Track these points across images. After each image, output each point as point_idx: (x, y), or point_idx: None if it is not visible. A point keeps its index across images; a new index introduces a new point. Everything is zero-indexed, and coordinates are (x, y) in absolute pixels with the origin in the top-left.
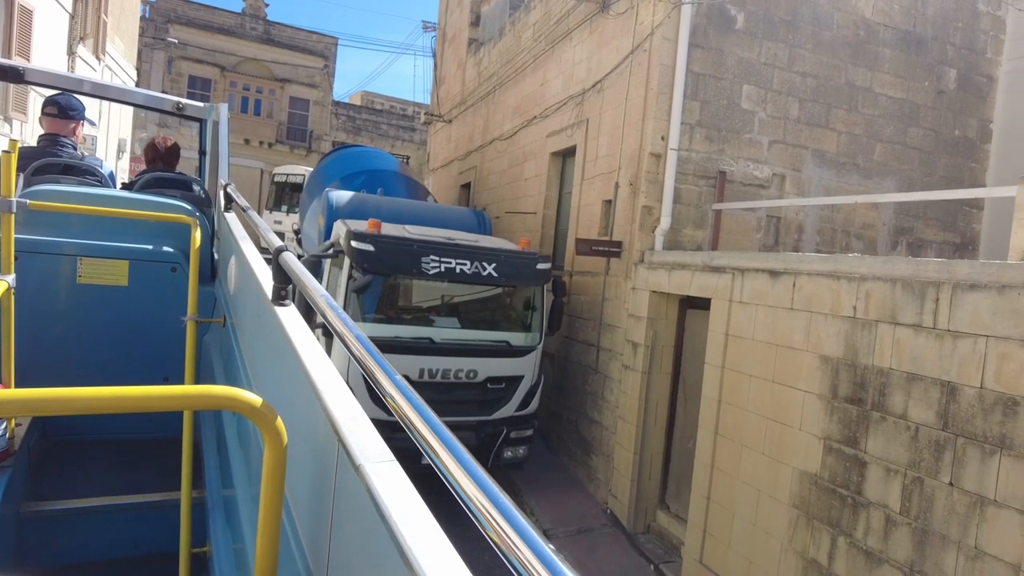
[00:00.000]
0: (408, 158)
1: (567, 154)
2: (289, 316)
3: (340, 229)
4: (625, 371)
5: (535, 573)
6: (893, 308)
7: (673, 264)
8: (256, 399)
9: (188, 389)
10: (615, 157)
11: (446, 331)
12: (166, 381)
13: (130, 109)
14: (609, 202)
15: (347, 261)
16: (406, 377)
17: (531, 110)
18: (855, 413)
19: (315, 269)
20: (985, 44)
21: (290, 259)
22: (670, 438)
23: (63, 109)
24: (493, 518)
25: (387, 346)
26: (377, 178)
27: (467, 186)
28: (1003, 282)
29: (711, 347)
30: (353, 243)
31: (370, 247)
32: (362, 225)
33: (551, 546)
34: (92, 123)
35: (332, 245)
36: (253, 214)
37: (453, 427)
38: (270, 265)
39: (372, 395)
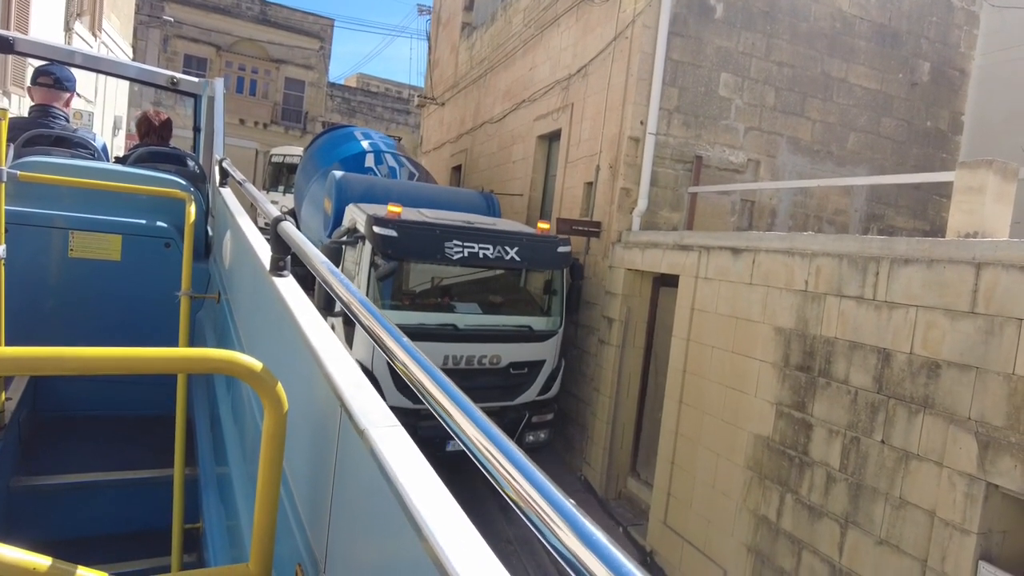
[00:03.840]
0: (400, 139)
1: (553, 137)
2: (287, 286)
3: (357, 214)
4: (601, 346)
5: (554, 527)
6: (840, 282)
7: (647, 243)
8: (256, 363)
9: (187, 351)
10: (597, 141)
11: (469, 317)
12: None
13: (126, 87)
14: (590, 184)
15: (367, 246)
16: None
17: (520, 94)
18: (804, 380)
19: (336, 255)
20: (959, 38)
21: (289, 228)
22: (642, 409)
23: (59, 80)
24: (508, 473)
25: (411, 333)
26: (413, 167)
27: (458, 168)
28: (932, 257)
29: (678, 321)
30: (376, 229)
31: (393, 232)
32: (380, 210)
33: (571, 500)
34: (80, 95)
35: (350, 230)
36: (250, 187)
37: None
38: (267, 238)
39: (397, 383)
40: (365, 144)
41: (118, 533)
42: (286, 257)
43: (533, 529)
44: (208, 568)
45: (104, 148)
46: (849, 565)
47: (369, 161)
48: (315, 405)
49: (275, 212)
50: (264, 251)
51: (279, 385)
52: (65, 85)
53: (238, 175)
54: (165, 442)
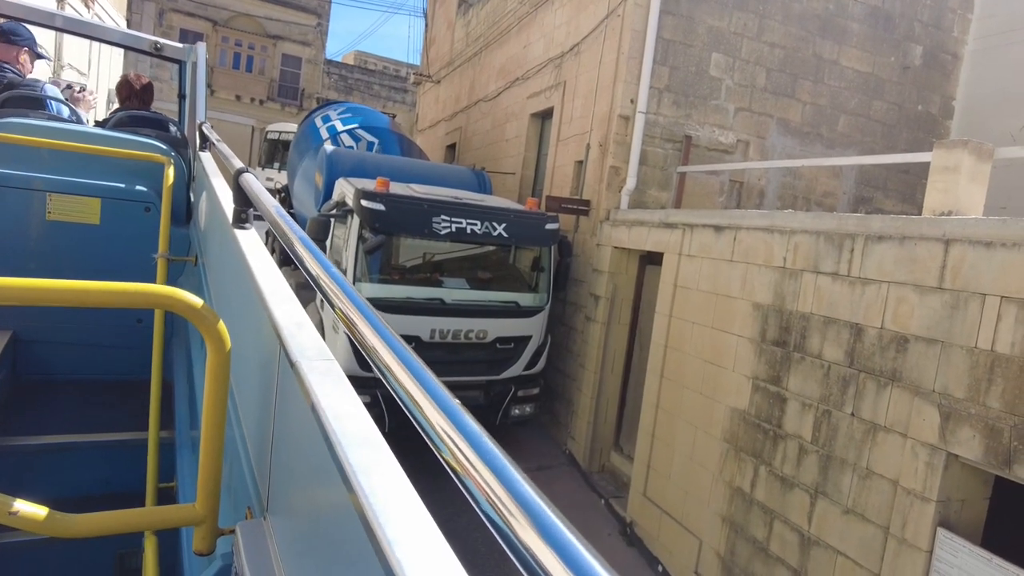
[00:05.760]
0: (394, 116)
1: (546, 116)
2: (247, 238)
3: (346, 188)
4: (587, 322)
5: (501, 506)
6: (816, 258)
7: (634, 221)
8: (197, 300)
9: (127, 286)
10: (588, 119)
11: (456, 292)
12: (139, 323)
13: (120, 60)
14: (581, 163)
15: (355, 220)
16: (417, 338)
17: (514, 72)
18: (779, 354)
19: (324, 229)
20: (952, 22)
21: (250, 180)
22: (625, 385)
23: (4, 33)
24: (448, 435)
25: (398, 307)
26: (372, 134)
27: (452, 147)
28: (904, 234)
29: (661, 297)
30: (363, 202)
31: (381, 206)
32: (368, 184)
33: (523, 475)
34: (46, 57)
35: (339, 204)
36: (222, 146)
37: (462, 386)
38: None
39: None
40: (324, 132)
41: (96, 494)
42: (248, 209)
43: (481, 514)
44: (156, 507)
45: (61, 101)
46: (817, 534)
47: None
48: (262, 348)
49: (238, 164)
50: (230, 206)
51: (220, 323)
52: (13, 39)
53: (214, 136)
54: (145, 406)
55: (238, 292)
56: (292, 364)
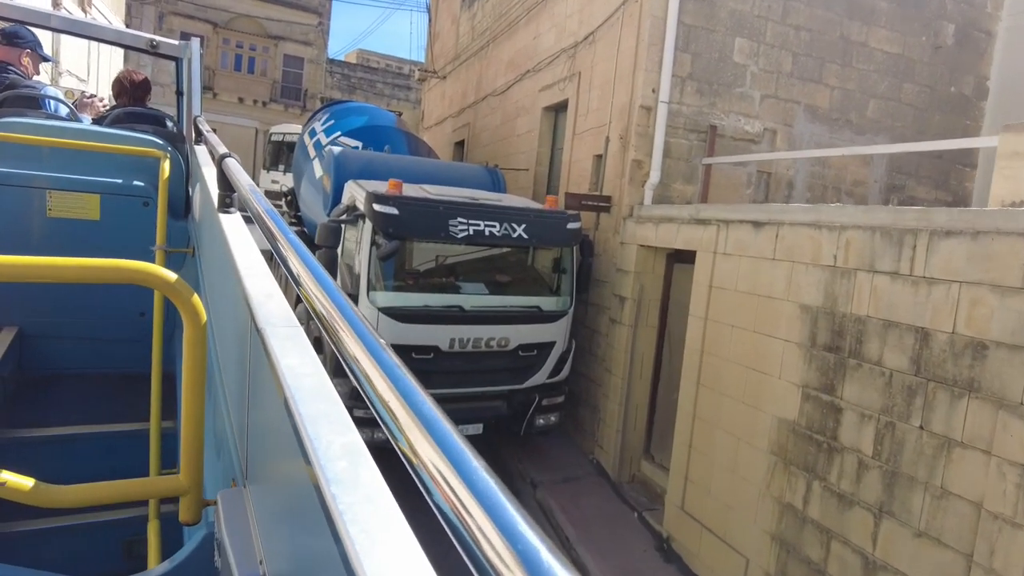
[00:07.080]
0: (400, 114)
1: (559, 109)
2: (231, 221)
3: (356, 191)
4: (612, 325)
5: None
6: (872, 256)
7: (660, 218)
8: (171, 275)
9: (102, 262)
10: (606, 111)
11: (475, 298)
12: (142, 316)
13: (120, 63)
14: (599, 157)
15: (367, 225)
16: (436, 348)
17: (524, 64)
18: (832, 361)
19: (335, 235)
20: None
21: (231, 164)
22: (655, 390)
23: (7, 35)
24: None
25: (415, 316)
26: (378, 133)
27: (461, 144)
28: (978, 228)
29: (695, 299)
30: (376, 206)
31: (394, 210)
32: (380, 186)
33: (488, 472)
34: (50, 59)
35: (350, 208)
36: (211, 136)
37: (484, 397)
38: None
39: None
40: (311, 149)
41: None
42: (231, 194)
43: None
44: (141, 478)
45: (59, 99)
46: (884, 557)
47: (370, 136)
48: (240, 321)
49: (223, 150)
50: (216, 192)
51: (195, 296)
52: (16, 42)
53: (206, 127)
54: (149, 398)
55: (222, 271)
56: (259, 331)
